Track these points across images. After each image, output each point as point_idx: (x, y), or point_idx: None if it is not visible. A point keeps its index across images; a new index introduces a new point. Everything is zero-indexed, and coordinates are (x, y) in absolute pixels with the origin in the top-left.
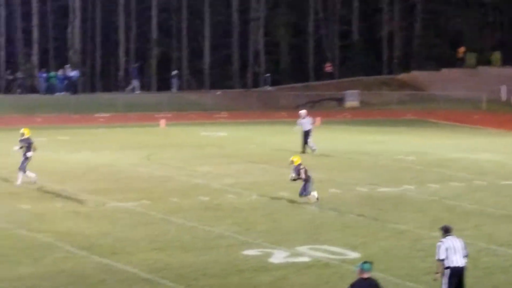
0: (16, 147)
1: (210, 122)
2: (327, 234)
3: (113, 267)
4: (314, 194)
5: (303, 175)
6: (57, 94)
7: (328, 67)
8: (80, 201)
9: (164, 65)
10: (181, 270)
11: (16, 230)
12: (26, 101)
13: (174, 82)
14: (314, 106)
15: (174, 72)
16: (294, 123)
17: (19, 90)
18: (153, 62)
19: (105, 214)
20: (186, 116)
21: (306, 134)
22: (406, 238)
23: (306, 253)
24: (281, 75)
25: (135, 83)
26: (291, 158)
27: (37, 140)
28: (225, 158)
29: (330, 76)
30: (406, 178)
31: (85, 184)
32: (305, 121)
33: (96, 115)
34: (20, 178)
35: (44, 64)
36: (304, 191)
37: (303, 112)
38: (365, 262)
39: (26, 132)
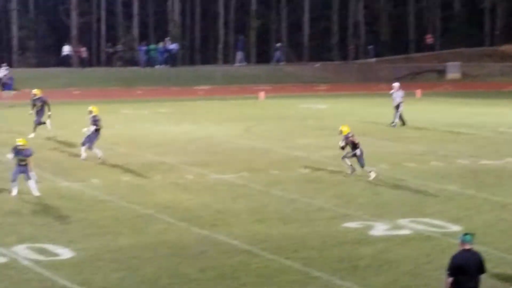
0: (86, 129)
1: (309, 94)
2: (429, 207)
3: (213, 239)
4: (371, 174)
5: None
6: (157, 67)
7: (429, 39)
8: (180, 173)
9: (263, 37)
10: (281, 242)
11: (117, 202)
12: (126, 74)
13: (278, 54)
14: (414, 78)
15: (278, 45)
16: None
17: (119, 63)
18: (252, 34)
19: (205, 186)
20: (285, 89)
21: (397, 107)
22: (509, 211)
23: (407, 226)
24: (381, 47)
25: (240, 55)
26: (340, 128)
27: (137, 113)
28: (325, 130)
29: (431, 47)
30: (509, 150)
31: (185, 156)
32: (397, 94)
33: (196, 87)
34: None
35: (144, 37)
36: (360, 162)
37: (396, 84)
38: (466, 234)
39: (94, 110)
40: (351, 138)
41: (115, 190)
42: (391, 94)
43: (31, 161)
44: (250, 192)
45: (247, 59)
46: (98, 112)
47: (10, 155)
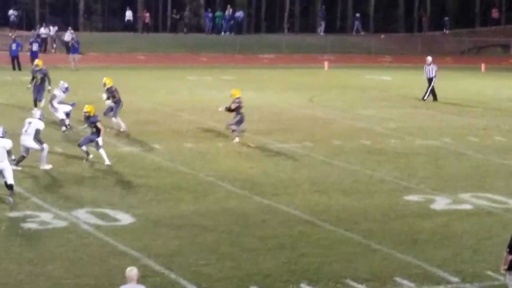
0: (104, 96)
1: (374, 65)
2: (491, 182)
3: (274, 208)
4: (237, 140)
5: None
6: (222, 34)
7: (495, 13)
8: (242, 141)
9: (330, 7)
10: (341, 213)
11: (178, 168)
12: (191, 40)
13: (357, 24)
14: (479, 52)
15: (357, 15)
16: (459, 68)
17: (185, 29)
18: (318, 4)
19: (267, 155)
20: (349, 59)
21: (430, 81)
22: None
23: (469, 201)
24: (450, 19)
25: (323, 24)
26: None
27: (202, 79)
28: (389, 102)
29: (497, 22)
30: None
31: (247, 124)
32: (430, 68)
33: (260, 55)
34: (118, 123)
35: (210, 4)
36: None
37: (429, 58)
38: None
39: (108, 81)
40: (236, 103)
41: (177, 156)
42: (424, 68)
43: (100, 127)
44: (311, 162)
45: (313, 28)
46: (112, 83)
47: (84, 126)
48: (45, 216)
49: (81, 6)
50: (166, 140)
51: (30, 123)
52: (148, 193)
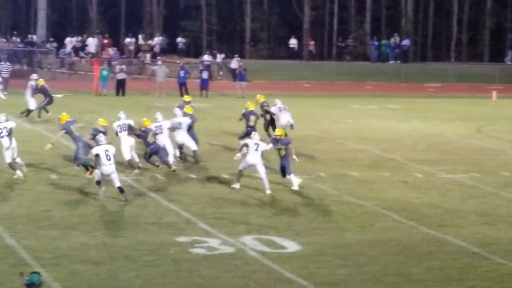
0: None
1: None
2: None
3: (441, 239)
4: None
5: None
6: (388, 62)
7: None
8: (408, 171)
9: (497, 36)
10: (511, 246)
11: (344, 197)
12: (356, 69)
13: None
14: None
15: None
16: None
17: (349, 57)
18: (486, 33)
19: (434, 185)
20: None
21: None
22: None
23: None
24: None
25: (510, 53)
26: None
27: (366, 108)
28: None
29: None
30: None
31: (414, 153)
32: None
33: (426, 84)
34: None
35: (375, 32)
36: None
37: None
38: None
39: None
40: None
41: (342, 185)
42: None
43: (291, 149)
44: (479, 193)
45: (480, 57)
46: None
47: (269, 145)
48: (213, 242)
49: (248, 34)
50: (332, 169)
51: None
52: (313, 221)
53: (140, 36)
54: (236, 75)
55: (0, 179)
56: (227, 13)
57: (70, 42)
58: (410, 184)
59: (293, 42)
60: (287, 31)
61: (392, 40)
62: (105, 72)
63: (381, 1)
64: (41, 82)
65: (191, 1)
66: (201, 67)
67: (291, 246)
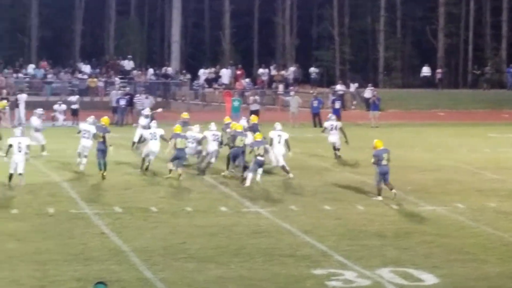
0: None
1: None
2: None
3: None
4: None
5: None
6: None
7: None
8: None
9: None
10: None
11: (482, 228)
12: (493, 97)
13: None
14: None
15: None
16: None
17: (486, 85)
18: None
19: None
20: None
21: None
22: None
23: None
24: None
25: None
26: None
27: (504, 137)
28: None
29: None
30: None
31: None
32: None
33: None
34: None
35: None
36: None
37: None
38: None
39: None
40: None
41: (480, 215)
42: None
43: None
44: None
45: None
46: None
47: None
48: (349, 275)
49: (381, 62)
50: (469, 199)
51: None
52: (452, 253)
53: (271, 67)
54: (370, 105)
55: (136, 212)
56: (360, 42)
57: (204, 73)
58: None
59: (425, 71)
60: (421, 59)
61: None
62: (236, 103)
63: None
64: (185, 115)
65: (323, 31)
66: (333, 97)
67: (429, 279)
